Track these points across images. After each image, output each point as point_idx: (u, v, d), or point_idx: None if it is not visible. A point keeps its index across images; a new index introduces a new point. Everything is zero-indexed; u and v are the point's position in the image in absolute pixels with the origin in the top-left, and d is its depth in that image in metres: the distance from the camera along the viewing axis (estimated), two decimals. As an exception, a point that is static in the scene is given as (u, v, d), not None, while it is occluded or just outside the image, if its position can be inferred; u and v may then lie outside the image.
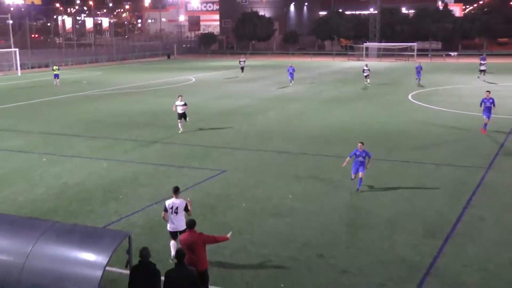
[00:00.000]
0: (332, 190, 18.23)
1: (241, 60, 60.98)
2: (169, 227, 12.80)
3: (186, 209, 12.58)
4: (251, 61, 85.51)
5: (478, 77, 52.07)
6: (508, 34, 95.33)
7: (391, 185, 18.70)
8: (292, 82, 49.15)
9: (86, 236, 9.76)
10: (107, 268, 9.52)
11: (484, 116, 26.94)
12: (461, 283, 11.79)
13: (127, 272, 10.05)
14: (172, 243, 12.85)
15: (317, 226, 14.92)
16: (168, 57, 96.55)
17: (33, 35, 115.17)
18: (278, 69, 65.27)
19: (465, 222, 15.24)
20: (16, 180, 19.76)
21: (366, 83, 47.48)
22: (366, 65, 48.43)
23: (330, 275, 12.18)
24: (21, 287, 9.27)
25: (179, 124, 27.50)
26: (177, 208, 12.53)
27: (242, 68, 59.80)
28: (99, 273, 8.96)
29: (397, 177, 19.71)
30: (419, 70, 48.44)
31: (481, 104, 27.57)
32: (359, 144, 17.98)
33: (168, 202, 12.68)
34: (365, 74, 47.69)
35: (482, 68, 51.67)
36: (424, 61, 79.69)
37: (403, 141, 25.62)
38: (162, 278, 9.58)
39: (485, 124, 26.80)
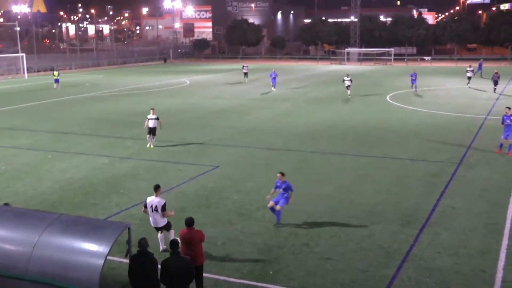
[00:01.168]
0: (317, 183, 18.22)
1: (244, 66, 58.10)
2: (151, 222, 12.65)
3: (163, 208, 12.29)
4: (242, 64, 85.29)
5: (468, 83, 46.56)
6: (476, 40, 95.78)
7: (371, 178, 18.72)
8: (275, 87, 46.21)
9: (89, 227, 9.67)
10: (108, 257, 9.47)
11: (502, 137, 21.94)
12: (435, 268, 11.81)
13: (127, 261, 10.00)
14: (159, 236, 12.68)
15: (303, 217, 14.91)
16: (165, 61, 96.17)
17: (45, 41, 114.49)
18: (267, 72, 64.93)
19: (438, 212, 15.29)
20: (26, 175, 19.60)
21: (348, 94, 40.75)
22: (347, 76, 40.84)
23: (314, 262, 12.16)
24: (28, 274, 9.19)
25: (148, 139, 23.90)
26: (156, 206, 12.30)
27: (246, 74, 56.84)
28: (100, 261, 8.90)
29: (376, 170, 19.74)
30: (414, 77, 43.06)
31: (502, 121, 21.92)
32: (278, 175, 14.48)
33: (148, 200, 12.47)
34: (346, 85, 40.52)
35: (469, 75, 46.66)
36: (400, 65, 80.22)
37: (382, 138, 25.67)
38: (159, 266, 9.55)
39: (501, 145, 22.16)
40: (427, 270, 11.73)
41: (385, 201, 16.30)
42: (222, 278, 11.47)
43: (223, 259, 12.37)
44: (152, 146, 23.81)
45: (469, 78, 46.65)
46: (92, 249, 9.12)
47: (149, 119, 23.64)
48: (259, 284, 11.24)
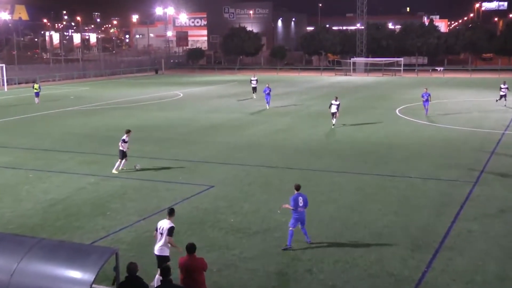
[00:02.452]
0: (320, 203, 18.19)
1: (253, 79, 51.78)
2: (154, 249, 12.19)
3: (169, 232, 11.90)
4: (239, 76, 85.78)
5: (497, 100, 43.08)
6: (491, 49, 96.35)
7: (378, 198, 18.70)
8: (269, 104, 43.01)
9: (73, 253, 9.64)
10: (94, 285, 9.39)
11: None
12: (450, 296, 11.77)
13: (114, 289, 9.95)
14: (157, 277, 11.82)
15: (305, 240, 14.86)
16: (156, 72, 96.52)
17: (35, 50, 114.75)
18: (266, 84, 65.36)
19: (452, 235, 15.26)
20: (4, 196, 19.55)
21: (332, 122, 33.21)
22: (336, 99, 33.08)
23: (318, 290, 12.10)
24: (6, 305, 9.13)
25: (119, 164, 22.78)
26: (162, 229, 12.02)
27: (254, 89, 50.78)
28: (85, 290, 8.85)
29: (384, 190, 19.73)
30: (426, 98, 37.36)
31: None
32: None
33: (159, 223, 12.22)
34: (332, 110, 32.83)
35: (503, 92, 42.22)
36: (410, 76, 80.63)
37: (390, 154, 25.70)
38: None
39: None
40: (440, 298, 11.67)
41: (394, 223, 16.27)
42: (217, 308, 11.40)
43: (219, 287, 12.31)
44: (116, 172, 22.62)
45: (503, 96, 42.02)
46: (76, 277, 9.07)
47: (125, 141, 22.80)
48: (257, 314, 11.17)
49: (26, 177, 22.22)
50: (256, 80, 51.55)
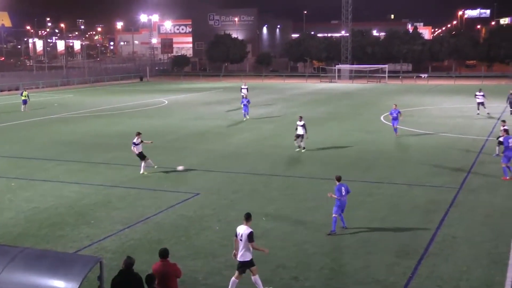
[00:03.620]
0: (306, 210, 18.21)
1: (243, 87, 50.52)
2: (237, 255, 12.25)
3: (249, 238, 11.89)
4: (224, 83, 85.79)
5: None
6: (475, 56, 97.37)
7: (364, 205, 18.76)
8: (247, 116, 40.84)
9: (56, 262, 9.54)
10: (78, 294, 9.31)
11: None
12: (435, 303, 11.81)
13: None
14: (233, 280, 12.22)
15: (291, 248, 14.86)
16: (141, 80, 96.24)
17: (25, 57, 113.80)
18: (251, 91, 65.50)
19: (438, 241, 15.33)
20: (-15, 205, 19.34)
21: (298, 145, 28.40)
22: (300, 119, 28.19)
23: (305, 297, 12.09)
24: (-12, 315, 9.01)
25: (143, 164, 23.85)
26: (241, 235, 12.01)
27: (246, 97, 44.68)
28: (69, 300, 8.76)
29: (370, 197, 19.80)
30: (396, 116, 32.48)
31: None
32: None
33: (238, 229, 12.21)
34: (299, 133, 28.05)
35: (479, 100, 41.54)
36: (395, 83, 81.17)
37: (376, 161, 25.81)
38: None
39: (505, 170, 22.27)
40: (426, 305, 11.71)
41: (380, 230, 16.32)
42: (202, 316, 11.34)
43: (204, 296, 12.26)
44: (144, 173, 23.63)
45: (481, 104, 41.37)
46: (60, 286, 8.97)
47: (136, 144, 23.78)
48: (243, 322, 11.13)
49: (9, 186, 22.01)
50: (247, 88, 50.68)
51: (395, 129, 32.42)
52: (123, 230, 16.54)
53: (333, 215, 16.00)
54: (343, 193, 16.01)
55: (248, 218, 12.26)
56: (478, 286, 12.56)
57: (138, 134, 24.08)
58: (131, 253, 14.36)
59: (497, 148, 25.64)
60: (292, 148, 28.69)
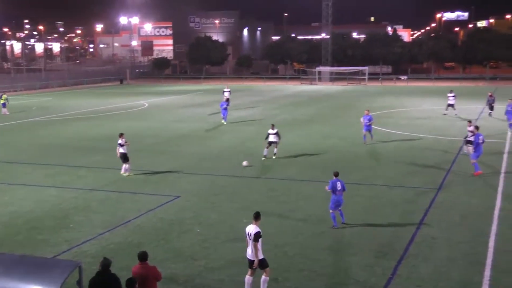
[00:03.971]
0: (287, 212, 18.25)
1: (225, 90, 49.08)
2: (247, 254, 12.37)
3: (255, 237, 12.00)
4: (205, 85, 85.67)
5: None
6: (454, 58, 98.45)
7: (344, 207, 18.78)
8: (225, 120, 39.73)
9: (34, 267, 9.45)
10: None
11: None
12: (415, 303, 11.91)
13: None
14: (247, 279, 12.33)
15: (272, 249, 14.86)
16: (121, 82, 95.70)
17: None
18: (232, 93, 65.50)
19: (417, 242, 15.46)
20: (-38, 210, 19.08)
21: (264, 155, 26.80)
22: (273, 127, 26.68)
23: (285, 299, 12.12)
24: (-36, 322, 8.90)
25: (125, 167, 23.93)
26: (250, 234, 12.13)
27: (227, 101, 43.31)
28: (47, 305, 8.68)
29: (350, 198, 19.83)
30: (367, 122, 30.41)
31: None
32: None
33: (247, 228, 12.37)
34: (271, 140, 26.64)
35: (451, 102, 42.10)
36: (375, 85, 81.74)
37: (356, 163, 25.95)
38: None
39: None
40: (405, 305, 11.80)
41: (360, 231, 16.42)
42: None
43: (184, 299, 12.22)
44: (125, 175, 23.78)
45: (451, 105, 41.98)
46: (38, 292, 8.90)
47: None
48: (224, 325, 11.11)
49: (-13, 190, 21.74)
50: (229, 91, 49.51)
51: (364, 136, 30.49)
52: (103, 234, 16.43)
53: (330, 211, 16.64)
54: (338, 188, 16.45)
55: (257, 217, 12.36)
56: (456, 286, 12.69)
57: (121, 135, 24.09)
58: (111, 257, 14.20)
59: (464, 147, 26.66)
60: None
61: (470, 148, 24.88)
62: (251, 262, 12.21)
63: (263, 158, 26.60)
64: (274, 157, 26.54)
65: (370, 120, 30.32)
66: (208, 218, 17.87)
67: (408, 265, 13.84)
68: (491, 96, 41.75)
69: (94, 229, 16.87)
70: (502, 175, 22.96)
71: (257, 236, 11.98)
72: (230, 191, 21.14)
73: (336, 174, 16.82)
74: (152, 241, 15.78)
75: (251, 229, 12.16)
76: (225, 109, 40.08)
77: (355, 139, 32.26)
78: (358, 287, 12.67)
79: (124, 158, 23.83)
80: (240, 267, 13.83)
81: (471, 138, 24.70)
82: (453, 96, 42.07)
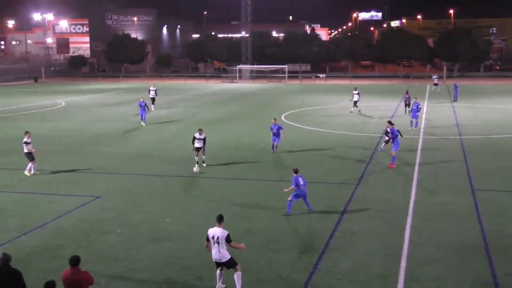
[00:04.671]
0: (211, 211, 18.17)
1: (151, 88, 48.57)
2: (213, 257, 12.25)
3: (227, 239, 12.06)
4: (124, 84, 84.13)
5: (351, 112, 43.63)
6: (369, 57, 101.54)
7: (268, 204, 19.02)
8: (144, 121, 37.97)
9: None
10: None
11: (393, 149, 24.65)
12: (336, 295, 12.20)
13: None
14: (218, 273, 12.54)
15: (196, 249, 14.80)
16: (36, 81, 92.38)
17: None
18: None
19: (337, 236, 15.84)
20: None
21: (202, 159, 24.96)
22: (201, 132, 24.51)
23: (210, 298, 12.11)
24: None
25: (30, 166, 23.41)
26: (218, 237, 11.98)
27: (153, 100, 46.76)
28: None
29: (273, 195, 20.08)
30: (276, 131, 27.63)
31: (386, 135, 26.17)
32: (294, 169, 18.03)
33: (210, 231, 12.19)
34: (198, 146, 24.46)
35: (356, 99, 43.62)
36: (294, 83, 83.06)
37: (278, 160, 26.26)
38: None
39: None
40: (328, 298, 12.06)
41: (284, 229, 16.63)
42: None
43: (106, 302, 11.97)
44: (28, 174, 23.29)
45: (355, 102, 43.56)
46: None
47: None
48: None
49: None
50: (155, 90, 48.53)
51: (272, 146, 27.83)
52: (19, 238, 15.81)
53: (289, 199, 17.66)
54: (301, 183, 17.41)
55: (220, 220, 12.33)
56: (375, 278, 13.10)
57: (27, 132, 23.76)
58: (27, 260, 13.83)
59: (383, 144, 27.95)
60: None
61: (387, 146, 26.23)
62: (217, 263, 12.35)
63: (204, 165, 24.67)
64: (204, 165, 24.67)
65: (279, 128, 27.64)
66: (130, 218, 17.56)
67: (329, 259, 14.15)
68: (407, 93, 43.39)
69: (8, 233, 16.19)
70: (416, 170, 23.89)
71: (228, 238, 12.12)
72: (152, 191, 20.85)
73: (296, 171, 17.68)
74: (72, 243, 15.34)
75: (217, 232, 12.15)
76: (143, 108, 37.98)
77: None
78: (281, 283, 12.83)
79: (29, 156, 23.32)
80: (162, 267, 13.70)
81: (387, 137, 26.10)
82: (357, 93, 43.85)
